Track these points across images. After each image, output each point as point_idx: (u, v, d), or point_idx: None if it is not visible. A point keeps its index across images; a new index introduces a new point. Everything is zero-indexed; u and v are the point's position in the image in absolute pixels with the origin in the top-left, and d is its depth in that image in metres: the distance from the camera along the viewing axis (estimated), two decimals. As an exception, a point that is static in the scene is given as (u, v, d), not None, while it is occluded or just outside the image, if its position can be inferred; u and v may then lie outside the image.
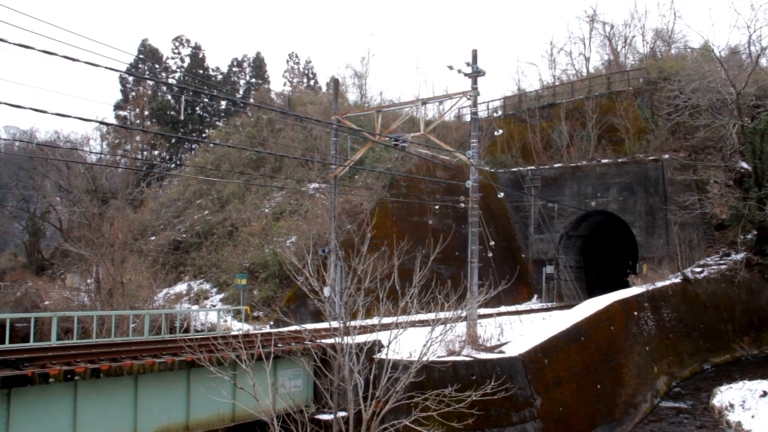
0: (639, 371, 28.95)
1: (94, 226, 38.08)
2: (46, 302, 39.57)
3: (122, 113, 71.83)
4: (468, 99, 26.09)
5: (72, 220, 55.00)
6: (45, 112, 12.97)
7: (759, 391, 26.12)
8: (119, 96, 74.52)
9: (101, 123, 19.16)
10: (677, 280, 37.39)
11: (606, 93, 51.47)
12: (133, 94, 73.39)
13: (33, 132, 77.71)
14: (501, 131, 32.57)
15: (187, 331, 27.94)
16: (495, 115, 59.16)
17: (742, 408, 25.91)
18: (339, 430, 15.35)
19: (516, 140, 53.48)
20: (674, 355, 33.13)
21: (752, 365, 34.44)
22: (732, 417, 25.72)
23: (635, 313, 31.78)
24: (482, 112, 56.39)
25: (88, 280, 40.71)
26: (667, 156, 43.74)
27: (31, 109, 12.67)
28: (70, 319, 26.40)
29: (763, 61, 44.41)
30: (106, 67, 13.06)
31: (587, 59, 68.69)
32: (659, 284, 35.84)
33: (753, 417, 24.89)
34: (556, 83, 63.26)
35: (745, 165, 40.94)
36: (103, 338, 22.86)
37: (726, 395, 27.50)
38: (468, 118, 39.71)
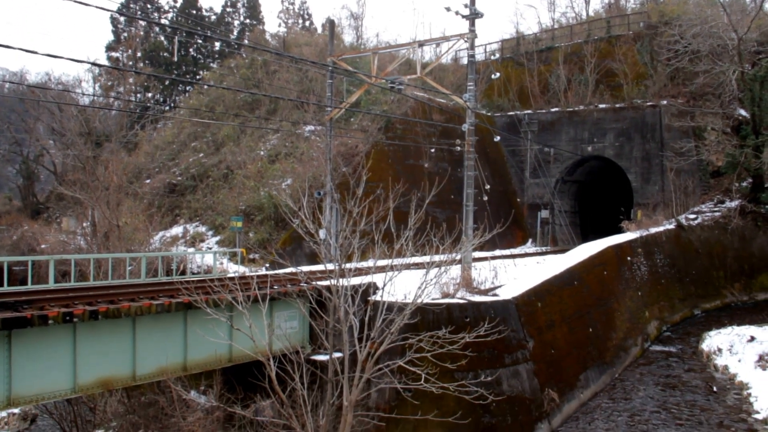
0: (630, 316, 29.37)
1: (89, 170, 37.84)
2: (43, 246, 39.65)
3: (114, 55, 70.57)
4: (465, 41, 25.71)
5: (66, 164, 54.63)
6: (35, 52, 12.72)
7: (747, 336, 26.61)
8: (111, 37, 73.14)
9: (93, 64, 18.84)
10: (671, 227, 37.61)
11: (605, 37, 50.77)
12: (125, 35, 71.96)
13: (23, 74, 76.48)
14: (498, 74, 32.17)
15: (183, 273, 28.10)
16: (492, 58, 58.38)
17: (730, 352, 26.41)
18: (334, 370, 15.59)
19: (513, 84, 52.96)
20: (666, 301, 33.57)
21: (741, 311, 34.99)
22: (719, 361, 26.24)
23: (628, 258, 32.05)
24: (479, 55, 55.68)
25: (84, 224, 40.70)
26: (665, 102, 43.45)
27: (20, 49, 12.42)
28: (67, 262, 26.49)
29: (767, 6, 43.66)
30: (96, 7, 12.75)
31: (587, 2, 68.02)
32: (653, 230, 36.06)
33: (740, 361, 25.40)
34: (555, 26, 62.27)
35: (743, 112, 40.72)
36: (101, 281, 22.99)
37: (715, 340, 28.01)
38: (465, 61, 39.16)
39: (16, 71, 79.43)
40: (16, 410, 23.11)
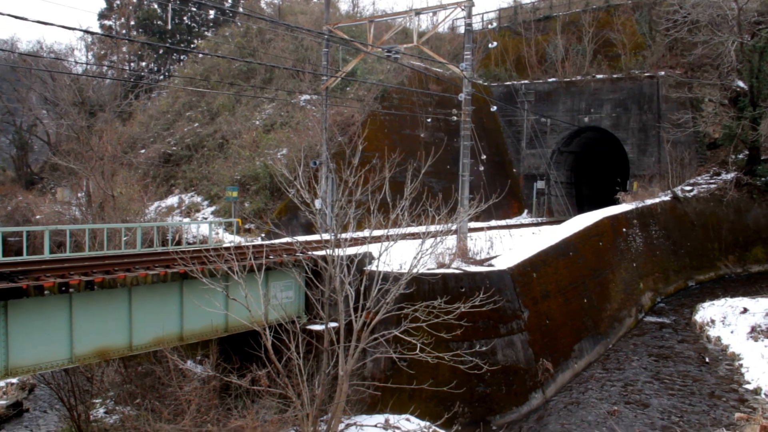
0: (625, 287, 29.51)
1: (83, 140, 37.57)
2: (38, 216, 39.49)
3: (107, 23, 69.57)
4: (462, 10, 25.44)
5: (60, 134, 54.18)
6: (25, 19, 12.50)
7: (740, 308, 26.76)
8: (103, 4, 72.15)
9: (86, 32, 18.59)
10: (667, 198, 37.63)
11: (604, 6, 50.28)
12: (118, 2, 70.96)
13: (14, 42, 75.38)
14: (495, 44, 31.91)
15: (179, 243, 28.08)
16: (490, 27, 57.85)
17: (723, 324, 26.60)
18: (330, 340, 15.67)
19: (510, 54, 52.56)
20: (660, 272, 33.72)
21: (735, 283, 35.17)
22: (712, 332, 26.45)
23: (624, 229, 32.11)
24: (477, 24, 55.16)
25: (79, 194, 40.52)
26: (662, 73, 43.17)
27: (10, 15, 12.21)
28: (63, 232, 26.48)
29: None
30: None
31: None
32: (649, 202, 36.10)
33: (732, 332, 25.59)
34: (554, -5, 61.61)
35: (741, 84, 40.49)
36: (96, 251, 22.93)
37: (708, 311, 28.19)
38: (462, 29, 38.84)
39: (7, 39, 78.31)
40: (14, 380, 23.23)
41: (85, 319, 15.00)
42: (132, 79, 61.38)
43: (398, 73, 42.65)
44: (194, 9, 68.42)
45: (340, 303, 15.20)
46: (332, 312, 16.52)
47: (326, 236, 16.19)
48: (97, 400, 21.73)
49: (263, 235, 32.19)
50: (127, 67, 66.08)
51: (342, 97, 41.29)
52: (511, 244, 27.55)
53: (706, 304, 29.17)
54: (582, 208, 46.53)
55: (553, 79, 48.48)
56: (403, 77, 42.53)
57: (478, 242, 25.87)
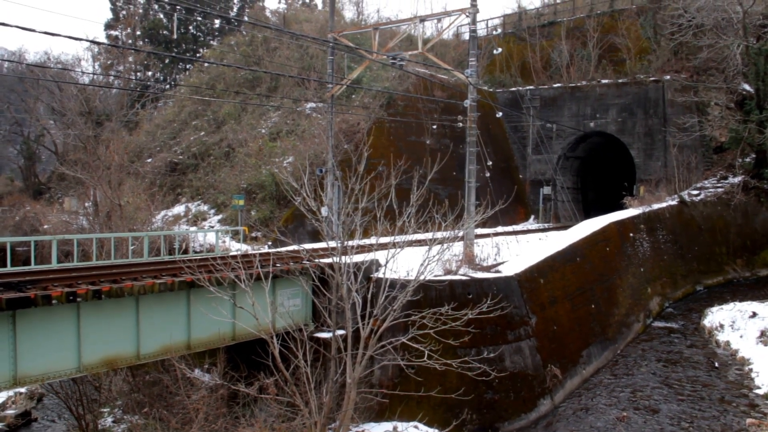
0: (633, 292, 29.40)
1: (90, 149, 37.76)
2: (45, 226, 39.65)
3: (113, 33, 69.97)
4: (467, 16, 25.47)
5: (67, 144, 54.48)
6: (33, 30, 12.57)
7: (749, 312, 26.61)
8: (109, 15, 72.55)
9: (92, 42, 18.68)
10: (674, 203, 37.52)
11: (608, 11, 50.29)
12: (124, 12, 71.42)
13: (22, 53, 75.86)
14: (500, 50, 31.88)
15: (186, 252, 28.09)
16: (494, 33, 57.93)
17: (732, 328, 26.46)
18: (337, 347, 15.65)
19: (515, 59, 52.60)
20: (668, 277, 33.58)
21: (743, 287, 34.95)
22: (721, 337, 26.30)
23: (631, 234, 32.02)
24: (481, 31, 55.20)
25: (86, 204, 40.67)
26: (668, 77, 43.08)
27: (18, 27, 12.29)
28: (70, 242, 26.51)
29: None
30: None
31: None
32: (656, 206, 35.97)
33: (741, 337, 25.45)
34: (558, 1, 61.61)
35: (747, 87, 40.34)
36: (103, 260, 22.99)
37: (717, 316, 28.03)
38: (467, 36, 38.84)
39: (15, 50, 78.83)
40: (22, 389, 23.29)
41: (93, 328, 15.02)
42: (138, 89, 61.68)
43: (403, 80, 42.73)
44: (200, 18, 68.77)
45: (347, 310, 15.19)
46: (339, 319, 16.50)
47: (333, 244, 16.20)
48: (105, 409, 21.77)
49: (270, 243, 32.23)
50: (133, 77, 66.42)
51: (347, 104, 41.37)
52: (518, 250, 27.49)
53: (714, 309, 29.01)
54: (588, 213, 46.42)
55: (558, 85, 48.45)
56: (409, 84, 42.60)
57: (485, 248, 25.84)
